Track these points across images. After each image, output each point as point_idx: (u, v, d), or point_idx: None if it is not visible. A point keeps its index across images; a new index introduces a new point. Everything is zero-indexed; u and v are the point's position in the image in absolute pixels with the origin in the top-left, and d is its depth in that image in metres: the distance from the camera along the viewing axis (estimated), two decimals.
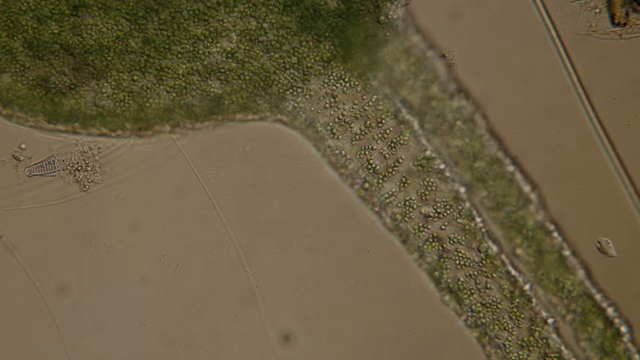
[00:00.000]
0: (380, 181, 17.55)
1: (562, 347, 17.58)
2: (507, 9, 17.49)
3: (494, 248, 17.56)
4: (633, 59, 17.39)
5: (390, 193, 17.57)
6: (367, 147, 17.57)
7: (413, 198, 17.56)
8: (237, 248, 17.96)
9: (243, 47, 17.30)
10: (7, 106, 17.55)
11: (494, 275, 17.53)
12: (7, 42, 17.24)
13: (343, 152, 17.60)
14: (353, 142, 17.59)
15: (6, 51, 17.28)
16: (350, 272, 17.97)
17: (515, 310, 17.50)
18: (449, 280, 17.59)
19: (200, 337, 18.10)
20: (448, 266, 17.56)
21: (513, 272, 17.57)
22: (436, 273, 17.64)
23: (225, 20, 17.23)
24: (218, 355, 18.14)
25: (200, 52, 17.30)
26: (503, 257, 17.59)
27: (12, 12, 17.15)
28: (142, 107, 17.47)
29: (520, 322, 17.52)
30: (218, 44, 17.30)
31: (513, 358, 17.52)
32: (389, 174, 17.53)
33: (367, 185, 17.59)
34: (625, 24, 17.22)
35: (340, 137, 17.61)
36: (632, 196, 17.51)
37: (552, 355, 17.53)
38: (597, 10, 17.27)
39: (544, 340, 17.51)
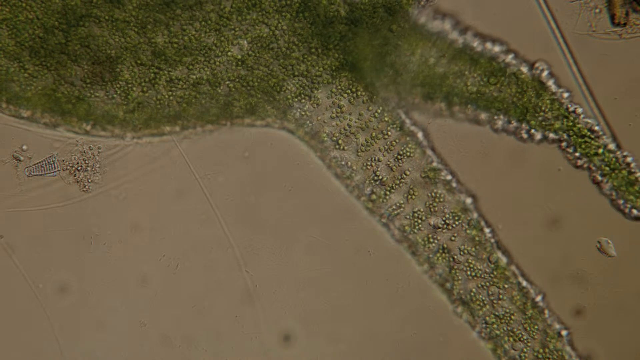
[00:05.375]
0: (388, 193, 17.49)
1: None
2: (507, 9, 17.54)
3: (504, 259, 17.51)
4: (633, 59, 17.40)
5: (397, 205, 17.51)
6: (373, 158, 17.51)
7: (421, 210, 17.51)
8: (234, 248, 17.96)
9: (253, 54, 17.26)
10: (17, 108, 17.56)
11: (506, 286, 17.46)
12: (15, 50, 17.24)
13: (349, 163, 17.55)
14: (359, 154, 17.54)
15: (14, 59, 17.28)
16: (350, 272, 17.97)
17: (528, 321, 17.43)
18: (461, 291, 17.53)
19: (200, 337, 18.11)
20: (459, 277, 17.51)
21: (524, 283, 17.52)
22: (447, 284, 17.59)
23: (237, 29, 17.19)
24: (218, 355, 18.15)
25: (211, 61, 17.27)
26: (513, 267, 17.54)
27: (19, 20, 17.15)
28: (152, 116, 17.47)
29: (534, 334, 17.45)
30: (229, 53, 17.26)
31: None
32: (396, 186, 17.47)
33: (374, 196, 17.54)
34: (625, 24, 17.21)
35: (345, 147, 17.56)
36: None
37: None
38: (597, 10, 17.25)
39: (559, 353, 17.44)
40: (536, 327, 17.49)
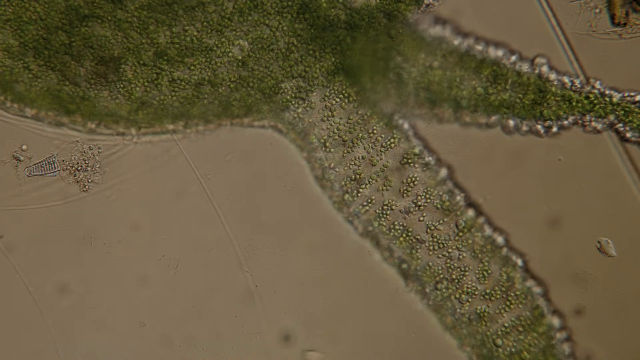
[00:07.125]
0: (362, 189, 17.51)
1: (528, 284, 17.54)
2: (508, 9, 17.65)
3: (472, 214, 17.51)
4: (633, 59, 17.48)
5: (368, 201, 17.52)
6: (357, 157, 17.52)
7: (393, 199, 17.51)
8: (236, 248, 17.97)
9: (254, 55, 17.33)
10: (22, 107, 17.59)
11: (470, 241, 17.47)
12: (19, 50, 17.29)
13: (332, 164, 17.57)
14: (344, 155, 17.57)
15: (18, 59, 17.33)
16: (350, 272, 17.97)
17: (484, 263, 17.41)
18: (417, 267, 17.52)
19: (200, 337, 18.08)
20: (419, 256, 17.51)
21: (488, 231, 17.53)
22: (404, 265, 17.56)
23: (238, 30, 17.26)
24: (218, 355, 18.12)
25: (213, 62, 17.33)
26: (481, 220, 17.56)
27: (22, 21, 17.20)
28: (156, 116, 17.51)
29: (485, 279, 17.42)
30: (230, 54, 17.32)
31: (467, 318, 17.46)
32: (372, 181, 17.49)
33: (347, 196, 17.57)
34: (625, 24, 17.29)
35: (332, 150, 17.58)
36: (634, 180, 17.61)
37: (517, 293, 17.45)
38: (597, 10, 17.35)
39: (510, 281, 17.42)
40: (489, 271, 17.46)
